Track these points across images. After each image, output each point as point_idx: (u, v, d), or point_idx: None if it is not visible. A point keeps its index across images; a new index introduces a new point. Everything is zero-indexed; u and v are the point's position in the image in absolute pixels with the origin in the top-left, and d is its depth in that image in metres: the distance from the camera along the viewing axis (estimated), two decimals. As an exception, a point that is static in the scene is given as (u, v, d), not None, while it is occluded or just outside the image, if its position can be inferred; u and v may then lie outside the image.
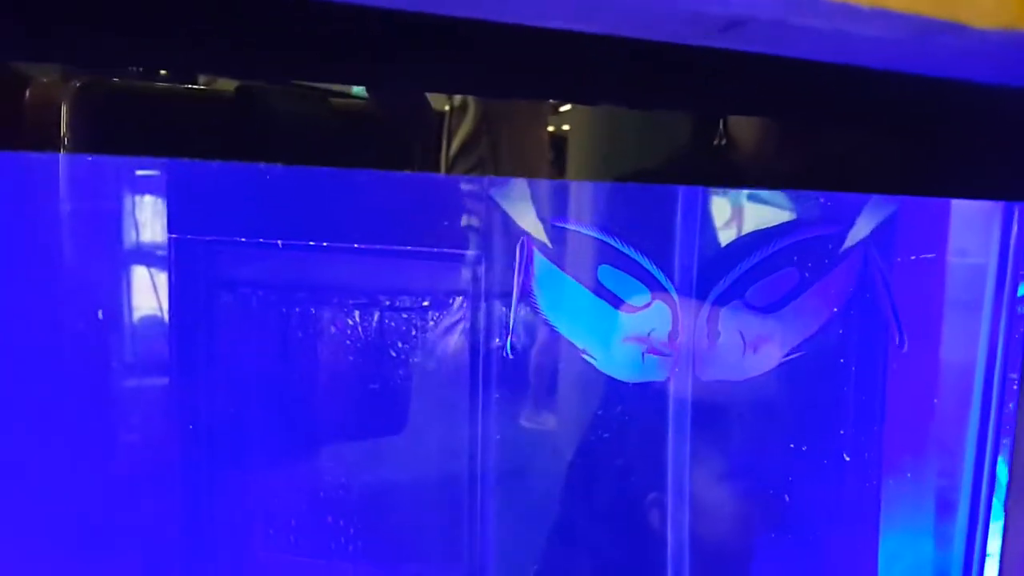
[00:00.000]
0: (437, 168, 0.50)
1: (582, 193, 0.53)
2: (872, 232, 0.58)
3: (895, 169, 0.65)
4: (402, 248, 0.53)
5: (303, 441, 0.54)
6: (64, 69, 0.47)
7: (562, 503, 0.56)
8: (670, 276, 0.53)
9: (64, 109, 0.47)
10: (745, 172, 0.57)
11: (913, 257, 0.61)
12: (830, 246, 0.57)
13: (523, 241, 0.52)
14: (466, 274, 0.53)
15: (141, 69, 0.47)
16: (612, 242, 0.52)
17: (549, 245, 0.52)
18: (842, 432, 0.60)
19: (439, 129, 0.51)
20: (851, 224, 0.57)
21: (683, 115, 0.55)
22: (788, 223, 0.56)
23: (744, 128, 0.58)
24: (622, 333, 0.53)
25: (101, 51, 0.45)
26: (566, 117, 0.52)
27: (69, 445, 0.50)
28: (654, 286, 0.53)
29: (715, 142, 0.55)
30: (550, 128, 0.51)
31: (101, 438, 0.51)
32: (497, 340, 0.53)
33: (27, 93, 0.45)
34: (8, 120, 0.45)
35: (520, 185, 0.51)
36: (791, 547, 0.60)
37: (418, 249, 0.53)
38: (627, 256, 0.52)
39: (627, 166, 0.52)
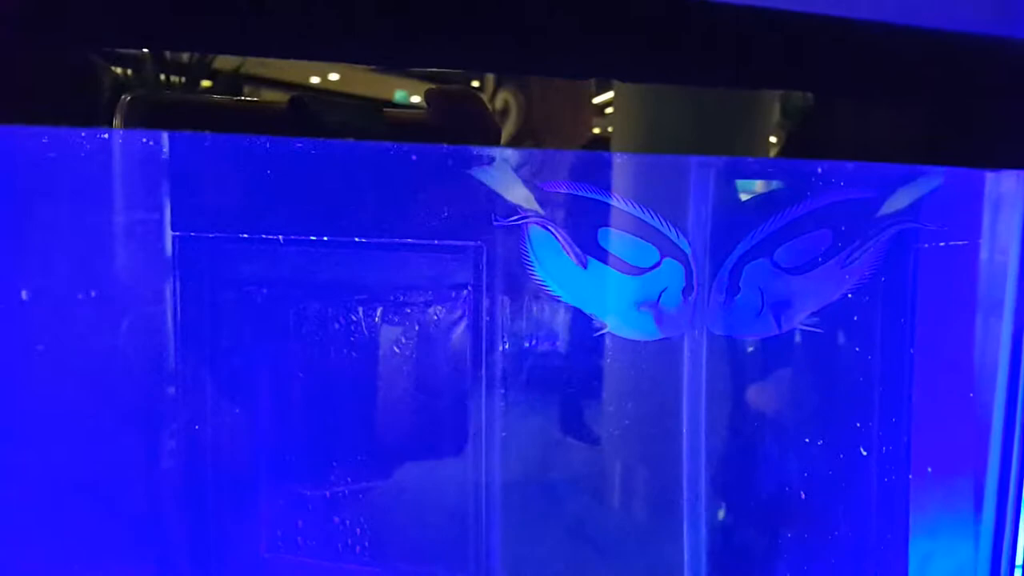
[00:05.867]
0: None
1: (570, 155, 0.51)
2: (910, 205, 0.55)
3: (939, 140, 0.61)
4: (397, 240, 0.52)
5: (309, 441, 0.52)
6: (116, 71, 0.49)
7: (579, 472, 0.52)
8: (683, 232, 0.50)
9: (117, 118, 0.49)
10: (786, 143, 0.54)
11: (943, 244, 0.57)
12: (865, 212, 0.53)
13: (516, 214, 0.50)
14: (464, 262, 0.51)
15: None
16: (612, 202, 0.50)
17: (542, 213, 0.50)
18: (858, 417, 0.55)
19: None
20: (890, 192, 0.54)
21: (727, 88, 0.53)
22: (823, 183, 0.53)
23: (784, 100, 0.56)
24: (632, 296, 0.50)
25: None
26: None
27: (75, 446, 0.49)
28: (663, 244, 0.50)
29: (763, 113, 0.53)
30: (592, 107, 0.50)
31: (105, 438, 0.50)
32: (504, 329, 0.51)
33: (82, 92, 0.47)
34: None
35: (501, 158, 0.50)
36: (802, 511, 0.54)
37: (409, 241, 0.52)
38: (631, 216, 0.50)
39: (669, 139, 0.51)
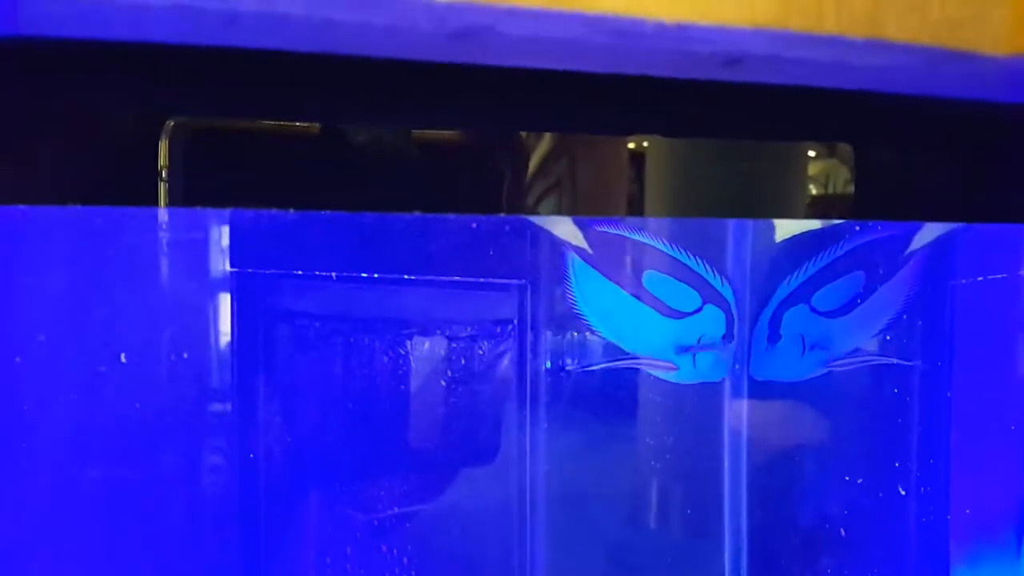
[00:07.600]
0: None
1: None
2: (937, 239, 0.55)
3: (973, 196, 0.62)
4: (446, 278, 0.53)
5: (358, 469, 0.54)
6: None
7: (616, 513, 0.53)
8: (725, 279, 0.51)
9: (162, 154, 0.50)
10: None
11: (980, 278, 0.58)
12: (895, 248, 0.54)
13: (562, 250, 0.51)
14: (512, 296, 0.53)
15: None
16: (658, 245, 0.51)
17: (589, 251, 0.51)
18: (897, 454, 0.55)
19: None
20: (917, 227, 0.55)
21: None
22: (853, 224, 0.54)
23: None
24: (672, 338, 0.51)
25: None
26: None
27: (126, 470, 0.51)
28: (705, 290, 0.51)
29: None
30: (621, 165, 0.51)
31: (159, 463, 0.52)
32: (547, 361, 0.52)
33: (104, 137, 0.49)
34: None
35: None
36: (846, 558, 0.55)
37: (460, 279, 0.53)
38: (675, 259, 0.51)
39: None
